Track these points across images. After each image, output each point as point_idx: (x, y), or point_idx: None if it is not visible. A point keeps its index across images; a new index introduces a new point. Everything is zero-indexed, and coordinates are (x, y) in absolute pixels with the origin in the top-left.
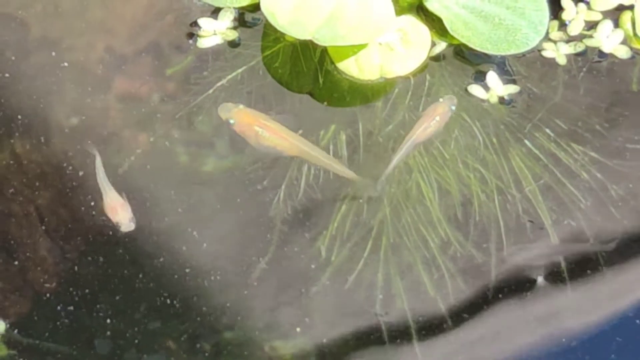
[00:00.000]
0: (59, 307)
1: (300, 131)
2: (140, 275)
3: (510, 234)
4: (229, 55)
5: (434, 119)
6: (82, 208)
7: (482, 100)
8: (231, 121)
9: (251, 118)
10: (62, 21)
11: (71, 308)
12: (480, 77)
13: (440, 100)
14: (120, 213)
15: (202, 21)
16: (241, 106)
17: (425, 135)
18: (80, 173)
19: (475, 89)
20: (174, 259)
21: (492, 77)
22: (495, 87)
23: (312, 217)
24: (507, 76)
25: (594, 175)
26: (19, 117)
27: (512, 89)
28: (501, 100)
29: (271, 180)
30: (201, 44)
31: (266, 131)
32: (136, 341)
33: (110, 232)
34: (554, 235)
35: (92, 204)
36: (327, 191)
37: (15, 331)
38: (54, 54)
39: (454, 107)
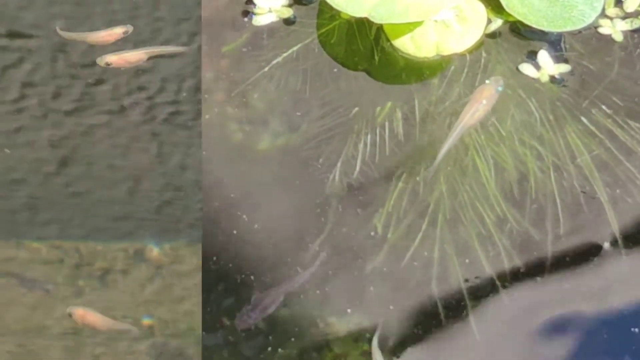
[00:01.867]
0: None
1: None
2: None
3: (567, 210)
4: (284, 33)
5: (481, 102)
6: None
7: (533, 79)
8: None
9: None
10: None
11: None
12: (533, 55)
13: (487, 82)
14: None
15: None
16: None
17: (474, 119)
18: None
19: (526, 68)
20: (226, 237)
21: (543, 55)
22: (546, 66)
23: (368, 194)
24: (563, 53)
25: None
26: None
27: (564, 67)
28: (552, 79)
29: (327, 158)
30: (257, 22)
31: None
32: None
33: None
34: (611, 211)
35: None
36: (383, 168)
37: None
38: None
39: (500, 89)
